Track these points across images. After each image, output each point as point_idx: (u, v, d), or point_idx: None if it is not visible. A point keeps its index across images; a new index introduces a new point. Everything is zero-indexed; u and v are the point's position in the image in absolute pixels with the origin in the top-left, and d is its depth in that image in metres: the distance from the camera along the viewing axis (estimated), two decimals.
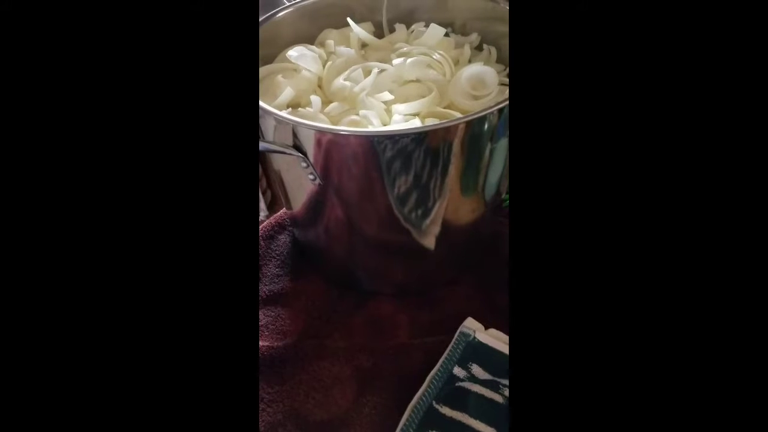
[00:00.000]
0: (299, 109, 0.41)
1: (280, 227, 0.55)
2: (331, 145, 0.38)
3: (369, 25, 0.50)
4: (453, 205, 0.43)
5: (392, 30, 0.51)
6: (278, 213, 0.56)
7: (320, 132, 0.36)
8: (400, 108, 0.41)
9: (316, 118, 0.40)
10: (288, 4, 0.49)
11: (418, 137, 0.37)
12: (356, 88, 0.42)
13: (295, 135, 0.37)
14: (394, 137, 0.36)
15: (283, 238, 0.54)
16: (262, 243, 0.53)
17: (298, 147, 0.38)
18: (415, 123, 0.40)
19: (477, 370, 0.42)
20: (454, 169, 0.39)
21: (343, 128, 0.38)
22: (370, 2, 0.51)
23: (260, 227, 0.55)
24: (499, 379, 0.41)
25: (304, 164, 0.38)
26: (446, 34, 0.49)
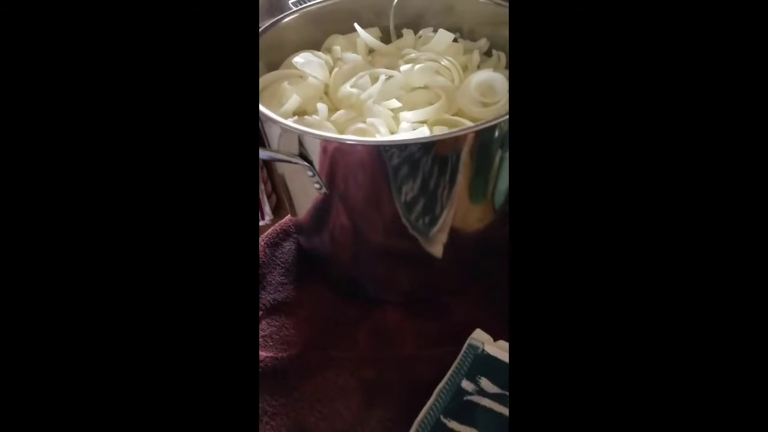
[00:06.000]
0: (305, 117, 0.41)
1: (284, 234, 0.54)
2: (338, 154, 0.37)
3: (376, 30, 0.50)
4: (461, 213, 0.42)
5: (400, 35, 0.50)
6: (283, 220, 0.56)
7: (326, 141, 0.36)
8: (407, 116, 0.40)
9: (322, 126, 0.39)
10: (294, 9, 0.49)
11: (426, 146, 0.36)
12: (363, 96, 0.41)
13: (300, 143, 0.37)
14: (401, 147, 0.35)
15: (288, 246, 0.53)
16: (266, 250, 0.53)
17: (303, 156, 0.37)
18: (423, 131, 0.39)
19: (486, 383, 0.41)
20: (462, 178, 0.39)
21: (349, 137, 0.37)
22: (376, 7, 0.50)
23: (264, 234, 0.54)
24: (508, 393, 0.40)
25: (310, 173, 0.37)
26: (455, 40, 0.48)
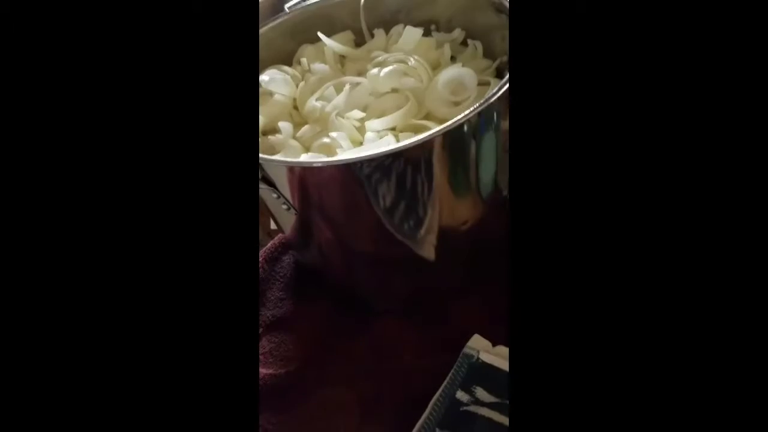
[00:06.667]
0: (269, 137, 0.40)
1: (283, 248, 0.54)
2: (305, 173, 0.37)
3: (348, 33, 0.48)
4: (447, 209, 0.40)
5: (373, 36, 0.48)
6: (281, 234, 0.56)
7: (287, 166, 0.35)
8: (372, 124, 0.39)
9: (286, 146, 0.39)
10: (285, 12, 0.48)
11: (390, 158, 0.34)
12: (328, 108, 0.40)
13: (261, 167, 0.36)
14: (362, 164, 0.34)
15: (287, 259, 0.54)
16: (265, 266, 0.53)
17: (266, 179, 0.37)
18: (389, 140, 0.37)
19: (482, 393, 0.39)
20: (440, 173, 0.37)
21: (306, 161, 0.36)
22: (351, 8, 0.49)
23: (263, 249, 0.54)
24: (507, 402, 0.39)
25: (275, 195, 0.37)
26: (429, 33, 0.46)
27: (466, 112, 0.34)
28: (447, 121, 0.38)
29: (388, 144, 0.37)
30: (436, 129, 0.35)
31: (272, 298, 0.51)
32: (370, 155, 0.34)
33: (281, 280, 0.52)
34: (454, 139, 0.35)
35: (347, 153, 0.37)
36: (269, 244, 0.55)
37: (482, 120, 0.35)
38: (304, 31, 0.48)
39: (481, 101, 0.34)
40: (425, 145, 0.35)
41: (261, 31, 0.47)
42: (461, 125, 0.34)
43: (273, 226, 0.58)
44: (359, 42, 0.48)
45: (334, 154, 0.38)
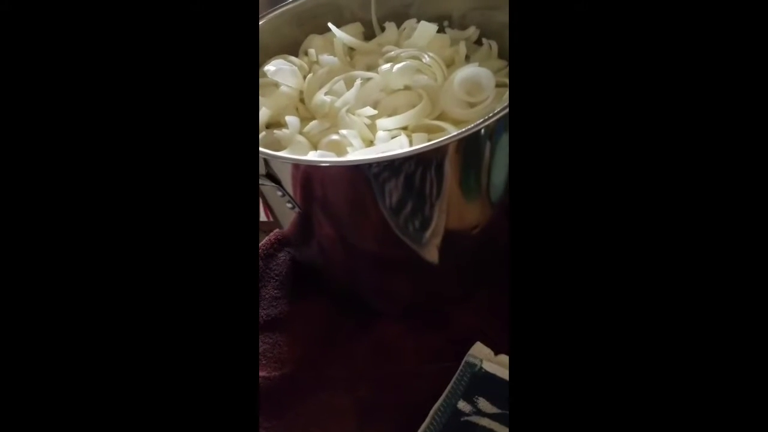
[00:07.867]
0: (275, 131, 0.38)
1: (279, 244, 0.52)
2: (312, 170, 0.35)
3: (358, 25, 0.46)
4: (455, 212, 0.39)
5: (384, 29, 0.46)
6: (277, 229, 0.54)
7: (293, 163, 0.33)
8: (384, 123, 0.37)
9: (292, 141, 0.37)
10: (272, 8, 0.45)
11: (402, 161, 0.33)
12: (338, 103, 0.38)
13: (267, 164, 0.34)
14: (371, 166, 0.32)
15: (283, 256, 0.52)
16: (260, 263, 0.51)
17: (271, 176, 0.35)
18: (401, 140, 0.36)
19: (484, 404, 0.39)
20: (451, 176, 0.36)
21: (315, 159, 0.34)
22: None
23: (258, 245, 0.53)
24: (508, 413, 0.38)
25: (280, 193, 0.35)
26: (443, 30, 0.44)
27: (485, 117, 0.33)
28: (461, 122, 0.37)
29: (401, 144, 0.35)
30: (452, 134, 0.33)
31: (267, 296, 0.49)
32: (382, 157, 0.33)
33: (276, 278, 0.50)
34: (469, 143, 0.34)
35: (358, 153, 0.35)
36: (264, 240, 0.53)
37: (500, 125, 0.34)
38: (311, 19, 0.46)
39: (503, 106, 0.32)
40: (439, 149, 0.33)
41: (266, 18, 0.44)
42: (478, 130, 0.33)
43: (264, 219, 0.56)
44: (368, 34, 0.46)
45: (344, 152, 0.36)
